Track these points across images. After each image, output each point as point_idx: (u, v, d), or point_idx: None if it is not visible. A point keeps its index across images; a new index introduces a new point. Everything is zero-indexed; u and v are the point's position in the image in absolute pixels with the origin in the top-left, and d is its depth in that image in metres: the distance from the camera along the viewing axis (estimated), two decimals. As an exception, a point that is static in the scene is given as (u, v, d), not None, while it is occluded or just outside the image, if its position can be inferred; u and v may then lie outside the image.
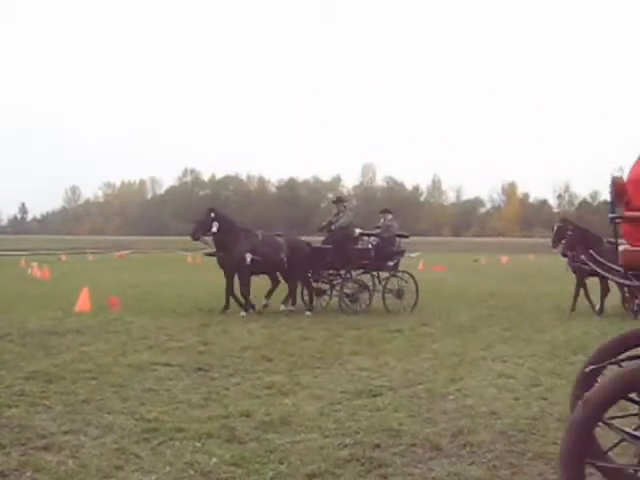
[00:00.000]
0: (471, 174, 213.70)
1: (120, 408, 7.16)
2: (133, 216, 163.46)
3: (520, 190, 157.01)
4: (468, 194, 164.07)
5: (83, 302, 15.28)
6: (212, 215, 15.84)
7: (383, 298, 16.53)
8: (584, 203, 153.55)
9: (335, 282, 17.09)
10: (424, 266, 36.41)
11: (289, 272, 16.40)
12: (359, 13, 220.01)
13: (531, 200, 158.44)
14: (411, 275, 17.33)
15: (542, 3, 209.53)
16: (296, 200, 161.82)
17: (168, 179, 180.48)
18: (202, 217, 16.18)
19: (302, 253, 16.37)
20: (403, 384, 8.45)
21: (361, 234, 17.33)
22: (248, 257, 15.35)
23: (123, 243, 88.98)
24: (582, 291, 16.93)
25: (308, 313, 15.54)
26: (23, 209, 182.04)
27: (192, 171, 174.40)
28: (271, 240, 16.40)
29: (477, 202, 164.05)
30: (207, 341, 11.41)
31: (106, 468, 5.40)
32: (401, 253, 17.74)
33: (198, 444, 6.00)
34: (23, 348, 10.55)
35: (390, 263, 17.03)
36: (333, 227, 16.85)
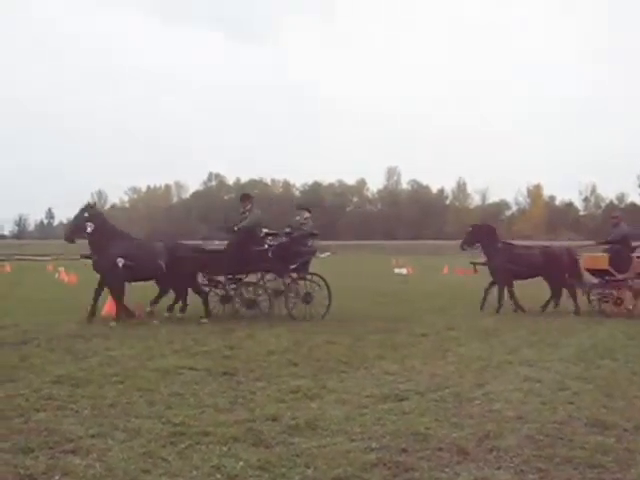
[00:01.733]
0: (496, 177, 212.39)
1: (147, 412, 7.19)
2: (158, 221, 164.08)
3: (546, 193, 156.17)
4: (493, 197, 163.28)
5: (109, 306, 15.36)
6: (86, 215, 15.03)
7: (286, 302, 15.56)
8: (611, 205, 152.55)
9: (230, 287, 16.14)
10: (448, 269, 36.31)
11: (172, 279, 15.38)
12: (378, 12, 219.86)
13: (557, 203, 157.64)
14: (323, 278, 16.05)
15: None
16: (321, 204, 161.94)
17: (193, 183, 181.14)
18: (77, 217, 15.26)
19: (185, 258, 15.25)
20: (429, 388, 8.43)
21: (267, 234, 16.23)
22: (120, 262, 14.39)
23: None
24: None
25: (204, 321, 14.63)
26: (50, 214, 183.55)
27: (217, 175, 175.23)
28: (148, 245, 15.52)
29: (502, 205, 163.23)
30: (233, 345, 11.43)
31: (133, 472, 5.43)
32: (311, 254, 16.51)
33: (225, 448, 6.02)
34: (50, 352, 10.63)
35: (295, 265, 15.76)
36: (236, 227, 15.83)
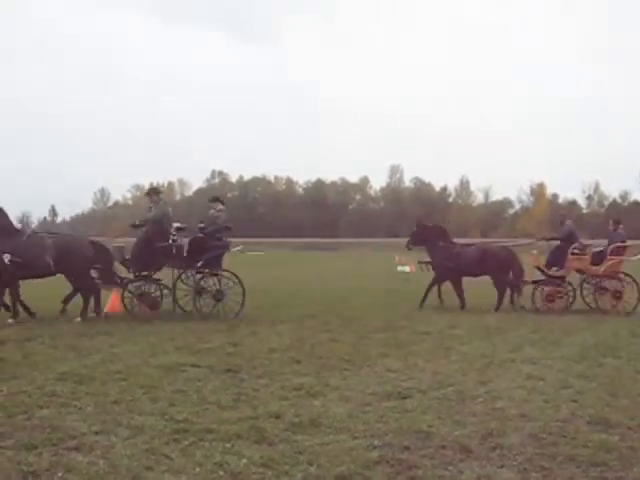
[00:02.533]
0: (499, 175, 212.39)
1: (150, 409, 7.21)
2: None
3: (549, 191, 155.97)
4: (497, 195, 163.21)
5: (112, 304, 15.38)
6: None
7: (194, 300, 15.01)
8: (614, 203, 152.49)
9: (124, 284, 15.23)
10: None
11: (68, 276, 14.89)
12: (378, 12, 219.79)
13: (560, 201, 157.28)
14: (235, 275, 15.40)
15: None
16: (324, 201, 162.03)
17: (196, 181, 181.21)
18: None
19: (78, 254, 14.62)
20: (432, 386, 8.43)
21: (178, 228, 15.60)
22: (6, 258, 13.84)
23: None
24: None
25: (78, 319, 13.95)
26: (53, 211, 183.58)
27: (220, 173, 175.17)
28: (36, 240, 14.64)
29: (506, 203, 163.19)
30: (236, 342, 11.44)
31: (136, 469, 5.44)
32: (223, 249, 15.79)
33: (228, 445, 6.03)
34: (54, 349, 10.65)
35: (203, 260, 15.05)
36: (137, 222, 15.58)
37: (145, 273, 15.17)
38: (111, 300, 15.52)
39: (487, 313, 16.16)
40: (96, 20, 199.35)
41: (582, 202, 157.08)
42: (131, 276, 15.24)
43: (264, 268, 37.08)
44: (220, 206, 16.21)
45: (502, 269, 17.55)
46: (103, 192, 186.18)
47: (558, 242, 17.81)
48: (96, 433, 6.33)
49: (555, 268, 17.50)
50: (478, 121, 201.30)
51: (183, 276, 15.52)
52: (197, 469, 5.47)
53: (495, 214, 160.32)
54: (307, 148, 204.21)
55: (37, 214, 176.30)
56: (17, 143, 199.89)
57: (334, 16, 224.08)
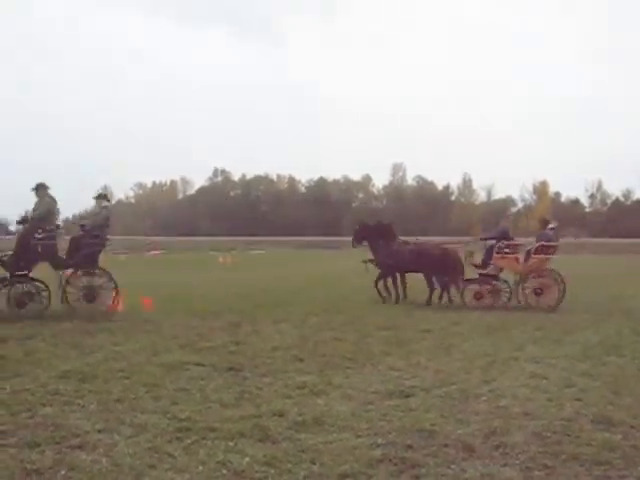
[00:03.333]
0: (502, 173, 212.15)
1: (153, 407, 7.20)
2: (164, 216, 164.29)
3: (551, 189, 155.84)
4: (499, 193, 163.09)
5: (114, 302, 15.36)
6: None
7: (64, 297, 14.60)
8: (616, 202, 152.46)
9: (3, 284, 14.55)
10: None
11: None
12: (378, 11, 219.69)
13: (563, 199, 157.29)
14: (106, 271, 14.99)
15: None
16: (326, 199, 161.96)
17: (199, 179, 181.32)
18: None
19: None
20: (435, 384, 8.42)
21: (81, 226, 15.31)
22: None
23: (154, 243, 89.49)
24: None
25: None
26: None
27: (222, 171, 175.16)
28: None
29: (508, 201, 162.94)
30: (238, 341, 11.44)
31: (139, 467, 5.44)
32: (100, 246, 15.21)
33: (231, 443, 6.02)
34: (56, 347, 10.64)
35: (78, 258, 14.71)
36: (19, 218, 15.26)
37: (21, 272, 14.54)
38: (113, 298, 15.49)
39: (489, 310, 16.15)
40: (96, 20, 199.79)
41: (585, 201, 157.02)
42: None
43: (266, 267, 37.09)
44: (105, 203, 15.88)
45: (436, 267, 18.10)
46: (105, 190, 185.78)
47: (493, 241, 18.15)
48: (99, 431, 6.33)
49: (492, 266, 18.02)
50: (480, 120, 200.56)
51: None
52: (200, 467, 5.47)
53: (497, 212, 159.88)
54: (309, 147, 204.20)
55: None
56: (17, 143, 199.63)
57: (335, 16, 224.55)
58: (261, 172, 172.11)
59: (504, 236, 18.08)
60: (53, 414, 6.87)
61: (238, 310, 15.70)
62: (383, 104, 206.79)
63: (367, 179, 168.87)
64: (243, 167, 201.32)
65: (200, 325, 13.21)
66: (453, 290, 18.08)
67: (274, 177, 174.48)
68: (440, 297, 18.01)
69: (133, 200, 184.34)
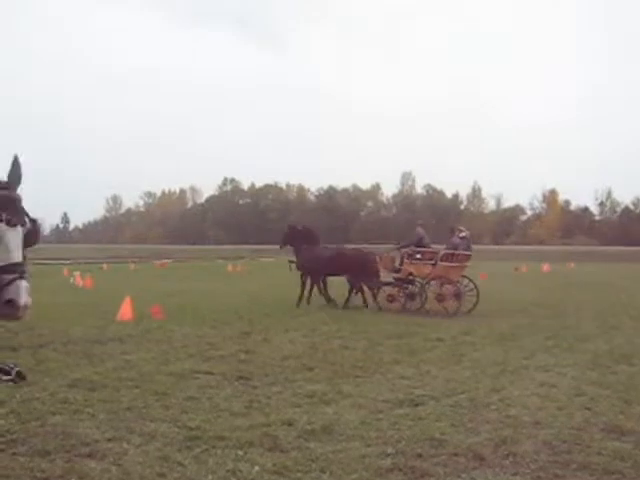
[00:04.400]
0: (511, 181, 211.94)
1: (163, 416, 7.21)
2: (173, 225, 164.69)
3: (561, 197, 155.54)
4: (509, 202, 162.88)
5: (125, 311, 15.40)
6: None
7: None
8: (626, 210, 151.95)
9: None
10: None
11: None
12: (394, 15, 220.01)
13: (572, 207, 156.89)
14: None
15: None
16: (335, 208, 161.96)
17: (208, 188, 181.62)
18: None
19: None
20: (445, 393, 8.41)
21: None
22: None
23: (164, 252, 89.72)
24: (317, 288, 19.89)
25: None
26: (65, 218, 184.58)
27: (232, 180, 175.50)
28: None
29: (518, 210, 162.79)
30: (248, 350, 11.44)
31: (149, 476, 5.45)
32: None
33: (240, 452, 6.02)
34: (66, 356, 10.67)
35: None
36: None
37: None
38: (124, 306, 15.54)
39: (500, 319, 16.11)
40: (104, 24, 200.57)
41: (594, 209, 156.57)
42: None
43: (275, 275, 37.06)
44: None
45: (352, 270, 19.10)
46: (115, 199, 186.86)
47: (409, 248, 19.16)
48: (109, 440, 6.34)
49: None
50: (489, 128, 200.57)
51: None
52: (210, 476, 5.47)
53: (507, 221, 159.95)
54: (318, 155, 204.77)
55: (50, 221, 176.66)
56: (26, 148, 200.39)
57: (348, 19, 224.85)
58: (270, 181, 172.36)
59: (419, 243, 19.00)
60: (63, 423, 6.89)
61: (248, 319, 15.71)
62: (393, 113, 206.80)
63: (376, 188, 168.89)
64: (252, 176, 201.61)
65: (210, 334, 13.22)
66: (368, 293, 19.15)
67: (283, 186, 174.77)
68: (346, 300, 18.99)
69: (143, 209, 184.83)
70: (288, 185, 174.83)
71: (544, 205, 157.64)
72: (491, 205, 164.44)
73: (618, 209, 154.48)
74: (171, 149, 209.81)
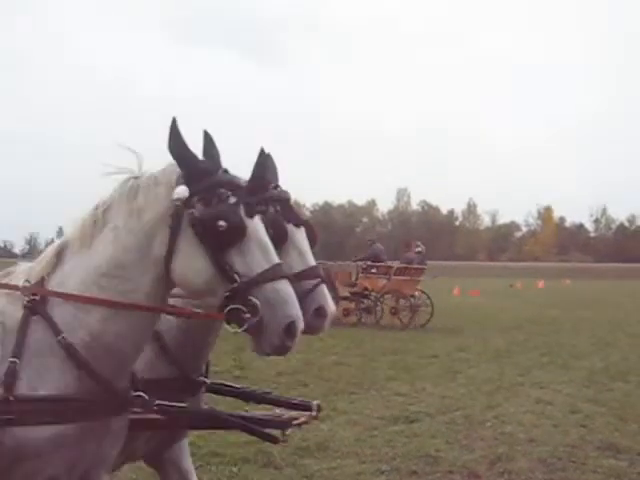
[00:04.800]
0: (506, 198, 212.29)
1: (157, 432, 7.17)
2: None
3: (556, 214, 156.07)
4: (504, 218, 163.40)
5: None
6: None
7: None
8: (621, 227, 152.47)
9: None
10: (459, 291, 36.25)
11: None
12: (386, 36, 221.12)
13: (567, 224, 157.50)
14: None
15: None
16: (331, 224, 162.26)
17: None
18: None
19: None
20: (440, 410, 8.39)
21: None
22: None
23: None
24: None
25: None
26: (60, 233, 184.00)
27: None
28: None
29: (513, 226, 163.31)
30: (243, 365, 11.39)
31: (143, 492, 5.42)
32: None
33: (234, 469, 6.00)
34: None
35: None
36: None
37: None
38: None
39: (495, 336, 16.10)
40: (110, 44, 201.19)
41: (589, 226, 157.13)
42: None
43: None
44: None
45: None
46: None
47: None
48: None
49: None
50: (484, 145, 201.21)
51: None
52: (204, 493, 5.45)
53: (502, 237, 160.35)
54: (314, 171, 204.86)
55: (44, 236, 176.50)
56: (17, 165, 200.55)
57: (343, 41, 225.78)
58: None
59: (376, 258, 19.44)
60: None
61: (242, 333, 15.64)
62: (389, 129, 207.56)
63: (372, 204, 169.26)
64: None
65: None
66: None
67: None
68: None
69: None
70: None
71: (539, 222, 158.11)
72: (486, 221, 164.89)
73: (613, 226, 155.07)
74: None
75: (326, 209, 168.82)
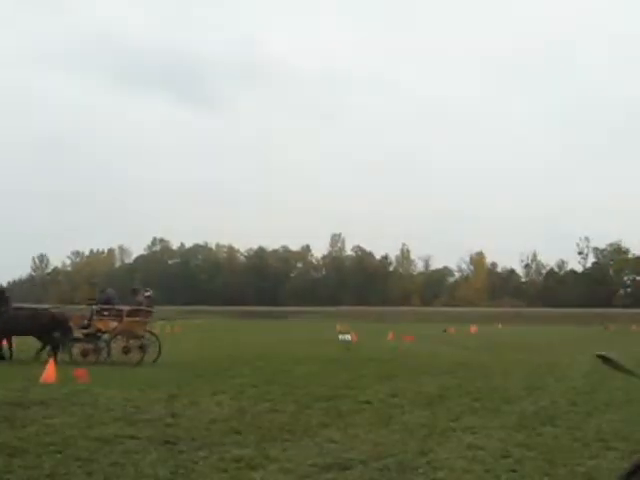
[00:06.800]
0: (439, 244, 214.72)
1: (85, 483, 7.04)
2: (101, 285, 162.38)
3: (488, 259, 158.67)
4: (437, 263, 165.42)
5: (49, 373, 15.07)
6: None
7: None
8: (551, 272, 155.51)
9: None
10: (394, 336, 36.43)
11: None
12: (313, 77, 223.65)
13: (499, 269, 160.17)
14: None
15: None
16: (265, 269, 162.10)
17: (137, 248, 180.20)
18: None
19: None
20: (373, 457, 8.38)
21: None
22: None
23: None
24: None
25: None
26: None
27: (161, 240, 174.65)
28: None
29: (446, 271, 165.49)
30: (175, 413, 11.26)
31: None
32: None
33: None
34: (-14, 421, 10.36)
35: None
36: None
37: None
38: (48, 369, 15.21)
39: (428, 381, 16.19)
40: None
41: (520, 271, 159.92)
42: None
43: (206, 337, 36.72)
44: None
45: (47, 329, 20.73)
46: (42, 258, 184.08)
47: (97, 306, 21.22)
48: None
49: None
50: (417, 188, 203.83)
51: None
52: None
53: (436, 282, 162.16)
54: (249, 216, 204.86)
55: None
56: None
57: (282, 79, 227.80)
58: (200, 241, 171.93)
59: (108, 302, 21.08)
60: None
61: (177, 381, 15.52)
62: (324, 175, 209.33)
63: (306, 249, 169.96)
64: (182, 236, 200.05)
65: (137, 397, 12.98)
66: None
67: (213, 246, 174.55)
68: (49, 354, 19.69)
69: (70, 268, 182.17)
70: (218, 245, 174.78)
71: (471, 267, 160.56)
72: (420, 267, 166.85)
73: (543, 271, 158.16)
74: (99, 207, 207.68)
75: (260, 254, 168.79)
